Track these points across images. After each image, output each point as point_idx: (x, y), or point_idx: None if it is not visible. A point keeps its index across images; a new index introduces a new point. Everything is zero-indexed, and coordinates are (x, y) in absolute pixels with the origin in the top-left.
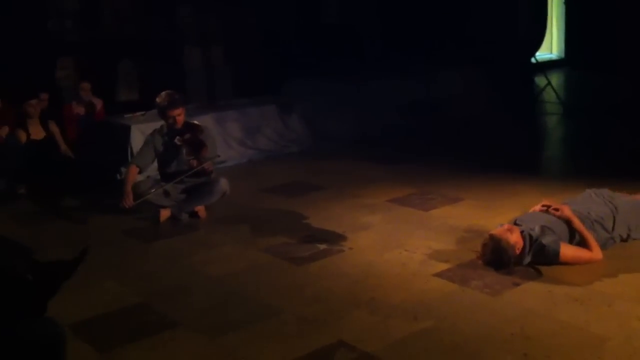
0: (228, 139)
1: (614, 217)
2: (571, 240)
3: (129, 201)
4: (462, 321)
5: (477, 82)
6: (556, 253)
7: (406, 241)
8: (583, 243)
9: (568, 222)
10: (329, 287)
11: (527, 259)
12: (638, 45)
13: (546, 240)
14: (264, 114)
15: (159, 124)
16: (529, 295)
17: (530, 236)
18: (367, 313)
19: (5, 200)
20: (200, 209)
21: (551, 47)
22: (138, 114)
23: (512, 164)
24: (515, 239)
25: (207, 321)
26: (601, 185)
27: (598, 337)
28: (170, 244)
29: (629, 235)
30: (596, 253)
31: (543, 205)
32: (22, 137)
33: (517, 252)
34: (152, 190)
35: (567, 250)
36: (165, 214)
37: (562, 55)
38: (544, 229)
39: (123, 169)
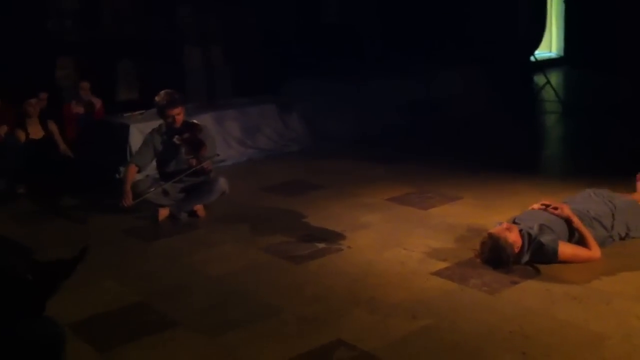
0: (227, 138)
1: (613, 216)
2: (570, 239)
3: (128, 200)
4: (461, 320)
5: (476, 81)
6: (555, 251)
7: (405, 240)
8: (582, 241)
9: (567, 221)
10: (329, 286)
11: (526, 258)
12: (638, 44)
13: (545, 238)
14: (263, 114)
15: (158, 123)
16: (528, 294)
17: (529, 235)
18: (367, 312)
19: (4, 200)
20: (199, 208)
21: (550, 46)
22: (137, 113)
23: (512, 163)
24: (513, 237)
25: (207, 320)
26: (601, 185)
27: (597, 335)
28: (170, 243)
29: (627, 234)
30: (595, 252)
31: (542, 204)
32: (21, 136)
33: (516, 250)
34: (151, 190)
35: (566, 249)
36: (164, 213)
37: (562, 53)
38: (542, 228)
39: (122, 168)
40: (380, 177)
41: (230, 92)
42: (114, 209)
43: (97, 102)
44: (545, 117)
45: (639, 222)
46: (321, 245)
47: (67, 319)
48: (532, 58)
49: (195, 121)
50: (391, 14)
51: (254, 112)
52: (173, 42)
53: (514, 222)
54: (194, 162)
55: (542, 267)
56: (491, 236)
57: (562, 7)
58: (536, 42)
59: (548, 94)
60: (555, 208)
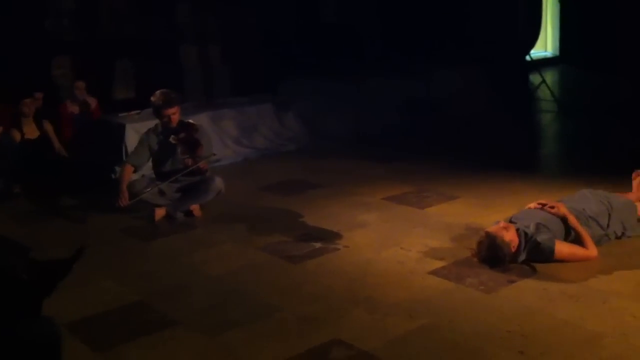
0: (224, 137)
1: (609, 215)
2: (566, 238)
3: (125, 200)
4: (459, 319)
5: (476, 81)
6: (551, 250)
7: (402, 239)
8: (578, 240)
9: (564, 220)
10: (327, 286)
11: (522, 257)
12: (638, 44)
13: (541, 237)
14: (260, 113)
15: (154, 122)
16: (525, 293)
17: (526, 234)
18: (365, 311)
19: (2, 200)
20: (195, 208)
21: (545, 45)
22: (133, 112)
23: (511, 163)
24: (510, 236)
25: (207, 320)
26: (600, 185)
27: (594, 333)
28: (168, 243)
29: (623, 233)
30: (591, 250)
31: (538, 203)
32: (17, 136)
33: (513, 249)
34: (147, 190)
35: (563, 248)
36: (160, 213)
37: (557, 52)
38: (539, 227)
39: (118, 168)
40: (379, 176)
41: (229, 91)
42: (111, 209)
43: (93, 102)
44: (541, 116)
45: (635, 221)
46: (319, 245)
47: (66, 318)
48: (527, 57)
49: (191, 121)
50: (391, 13)
51: (251, 111)
52: (171, 41)
53: (511, 221)
54: (189, 161)
55: (538, 266)
56: (488, 235)
57: (557, 6)
58: (532, 41)
59: (544, 93)
60: (552, 207)
